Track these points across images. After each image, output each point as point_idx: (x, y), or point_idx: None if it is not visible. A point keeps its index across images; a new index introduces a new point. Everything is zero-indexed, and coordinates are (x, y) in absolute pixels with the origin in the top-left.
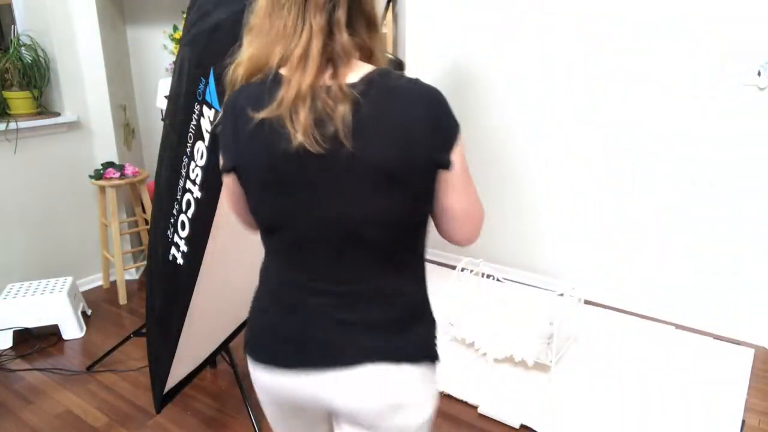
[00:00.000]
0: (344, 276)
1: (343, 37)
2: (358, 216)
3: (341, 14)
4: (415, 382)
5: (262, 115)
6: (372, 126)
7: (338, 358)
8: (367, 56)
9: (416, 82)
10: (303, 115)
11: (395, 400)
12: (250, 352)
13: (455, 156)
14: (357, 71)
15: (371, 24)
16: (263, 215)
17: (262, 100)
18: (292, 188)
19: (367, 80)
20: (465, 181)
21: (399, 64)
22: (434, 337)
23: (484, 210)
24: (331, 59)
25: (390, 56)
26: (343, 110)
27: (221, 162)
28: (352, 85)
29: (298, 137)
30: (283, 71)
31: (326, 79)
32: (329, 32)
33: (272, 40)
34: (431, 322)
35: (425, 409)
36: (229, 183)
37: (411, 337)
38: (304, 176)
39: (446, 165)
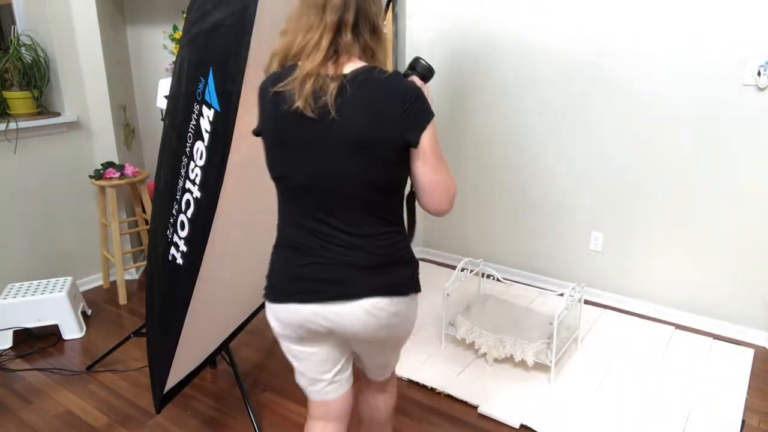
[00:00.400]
0: (340, 224)
1: (348, 35)
2: (338, 173)
3: (349, 17)
4: (403, 309)
5: (278, 88)
6: (352, 104)
7: (344, 293)
8: (370, 56)
9: (398, 79)
10: (307, 87)
11: (388, 323)
12: (271, 295)
13: (424, 137)
14: (352, 65)
15: (374, 29)
16: (272, 166)
17: (281, 80)
18: (291, 145)
19: (355, 73)
20: (433, 159)
21: (429, 70)
22: (417, 274)
23: (454, 188)
24: (336, 51)
25: (423, 62)
26: (333, 88)
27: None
28: (344, 75)
29: (299, 103)
30: (300, 62)
31: (329, 66)
32: (338, 30)
33: (297, 34)
34: (414, 263)
35: (409, 326)
36: (260, 143)
37: (399, 277)
38: (300, 136)
39: (414, 144)
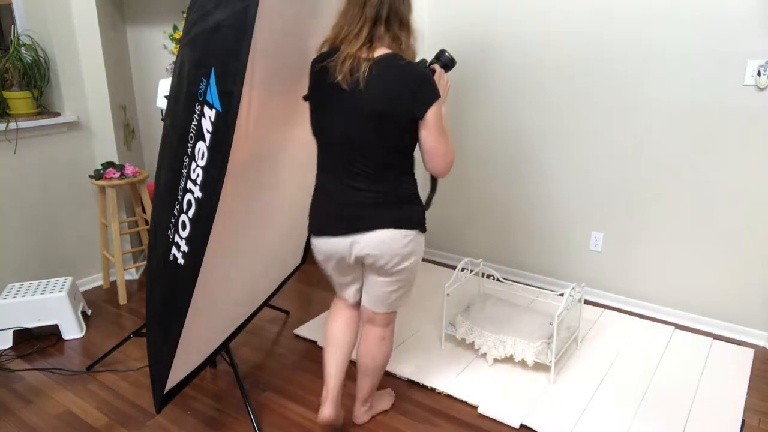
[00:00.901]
0: (361, 173)
1: (381, 28)
2: (361, 134)
3: (383, 13)
4: (408, 241)
5: (324, 64)
6: (376, 82)
7: (365, 226)
8: (398, 44)
9: (413, 66)
10: (346, 66)
11: (396, 252)
12: (312, 231)
13: (429, 113)
14: (381, 51)
15: (403, 23)
16: (313, 125)
17: (327, 58)
18: (329, 110)
19: (380, 57)
20: (435, 130)
21: (452, 60)
22: (421, 214)
23: (452, 156)
24: (371, 40)
25: (447, 54)
26: (365, 67)
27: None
28: (374, 58)
29: (338, 78)
30: (342, 46)
31: (364, 50)
32: (374, 23)
33: (344, 25)
34: (419, 206)
35: (414, 258)
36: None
37: (406, 213)
38: (336, 103)
39: (420, 117)
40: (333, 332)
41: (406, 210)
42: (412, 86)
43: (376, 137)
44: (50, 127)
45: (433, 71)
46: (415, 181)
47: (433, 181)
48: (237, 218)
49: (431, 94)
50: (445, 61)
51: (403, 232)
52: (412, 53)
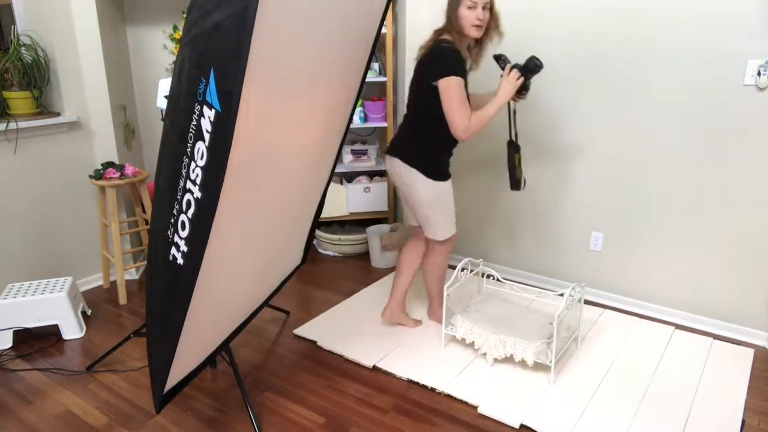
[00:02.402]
0: (408, 119)
1: (441, 26)
2: (412, 93)
3: (445, 19)
4: (405, 172)
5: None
6: (421, 55)
7: (391, 153)
8: (456, 38)
9: (445, 48)
10: (425, 48)
11: (399, 178)
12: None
13: (439, 83)
14: (436, 38)
15: (453, 27)
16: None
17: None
18: (414, 74)
19: (432, 42)
20: (446, 99)
21: (537, 66)
22: (421, 160)
23: (464, 125)
24: (437, 32)
25: (536, 61)
26: (422, 47)
27: None
28: (430, 42)
29: (420, 52)
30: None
31: (430, 40)
32: (445, 23)
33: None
34: (425, 155)
35: (413, 190)
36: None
37: (409, 153)
38: (416, 72)
39: (431, 81)
40: (401, 257)
41: (412, 152)
42: (431, 61)
43: (416, 94)
44: (50, 127)
45: (504, 67)
46: (435, 140)
47: (510, 160)
48: (237, 218)
49: (442, 70)
50: (530, 66)
51: (403, 165)
52: (463, 48)
